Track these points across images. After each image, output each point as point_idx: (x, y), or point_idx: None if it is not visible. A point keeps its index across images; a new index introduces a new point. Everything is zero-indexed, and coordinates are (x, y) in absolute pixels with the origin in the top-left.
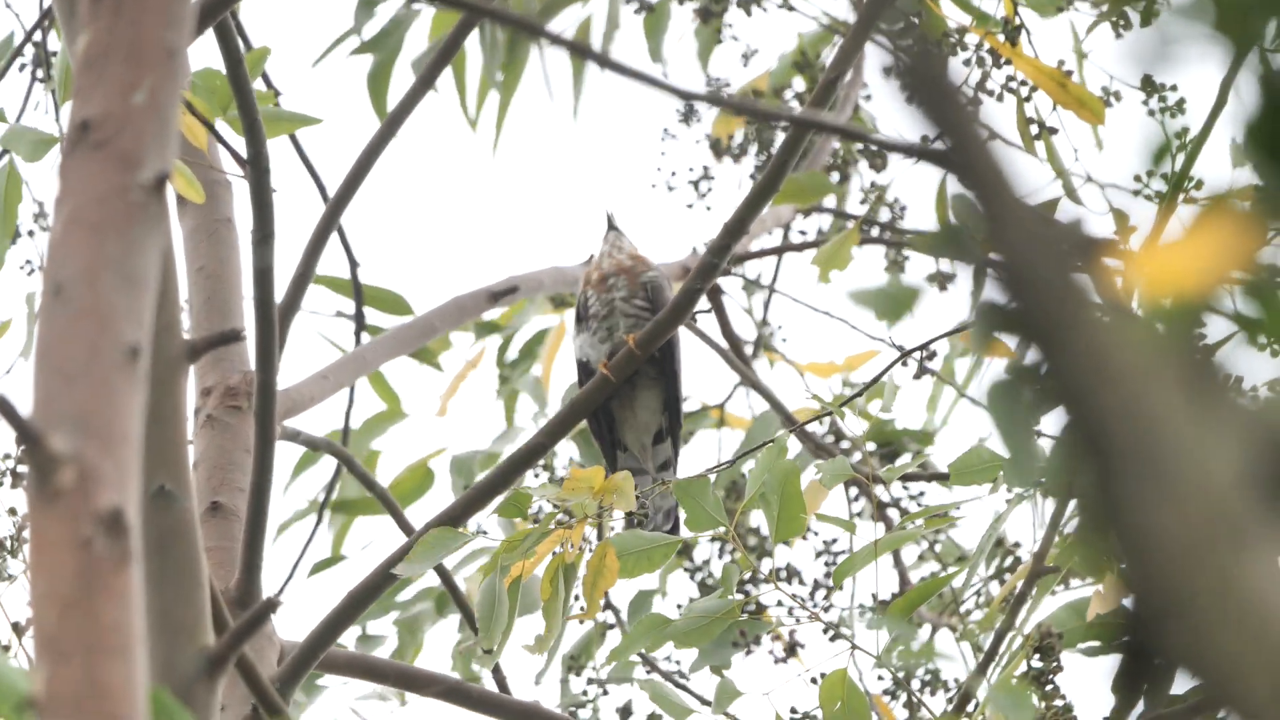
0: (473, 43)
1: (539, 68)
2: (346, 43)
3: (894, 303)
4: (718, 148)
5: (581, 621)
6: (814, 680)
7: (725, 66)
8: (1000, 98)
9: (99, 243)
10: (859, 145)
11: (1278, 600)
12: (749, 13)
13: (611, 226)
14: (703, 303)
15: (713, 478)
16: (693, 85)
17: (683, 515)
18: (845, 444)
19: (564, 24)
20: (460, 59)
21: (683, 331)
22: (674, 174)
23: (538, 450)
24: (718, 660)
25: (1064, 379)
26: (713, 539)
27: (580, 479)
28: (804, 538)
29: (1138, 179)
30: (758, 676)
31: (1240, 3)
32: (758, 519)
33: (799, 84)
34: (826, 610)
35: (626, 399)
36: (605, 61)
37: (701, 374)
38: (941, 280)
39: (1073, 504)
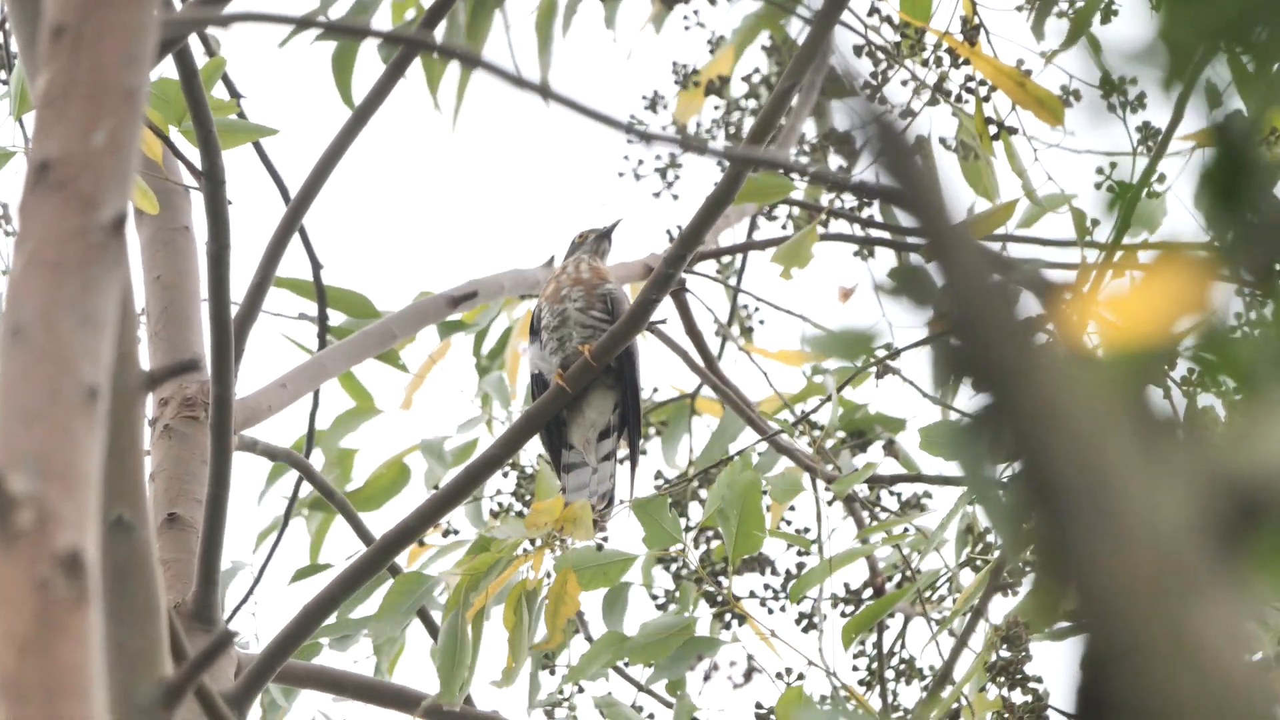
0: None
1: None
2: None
3: (852, 346)
4: (684, 134)
5: (545, 653)
6: (779, 676)
7: (692, 53)
8: (959, 98)
9: (58, 283)
10: (826, 133)
11: (1226, 646)
12: (713, 1)
13: (599, 244)
14: (660, 313)
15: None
16: (653, 76)
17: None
18: (817, 434)
19: (528, 4)
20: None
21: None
22: (640, 163)
23: (494, 462)
24: (674, 675)
25: (1016, 425)
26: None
27: (541, 511)
28: (778, 526)
29: (1100, 171)
30: (719, 693)
31: (1190, 47)
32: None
33: (765, 67)
34: (799, 601)
35: (576, 402)
36: (546, 93)
37: (673, 363)
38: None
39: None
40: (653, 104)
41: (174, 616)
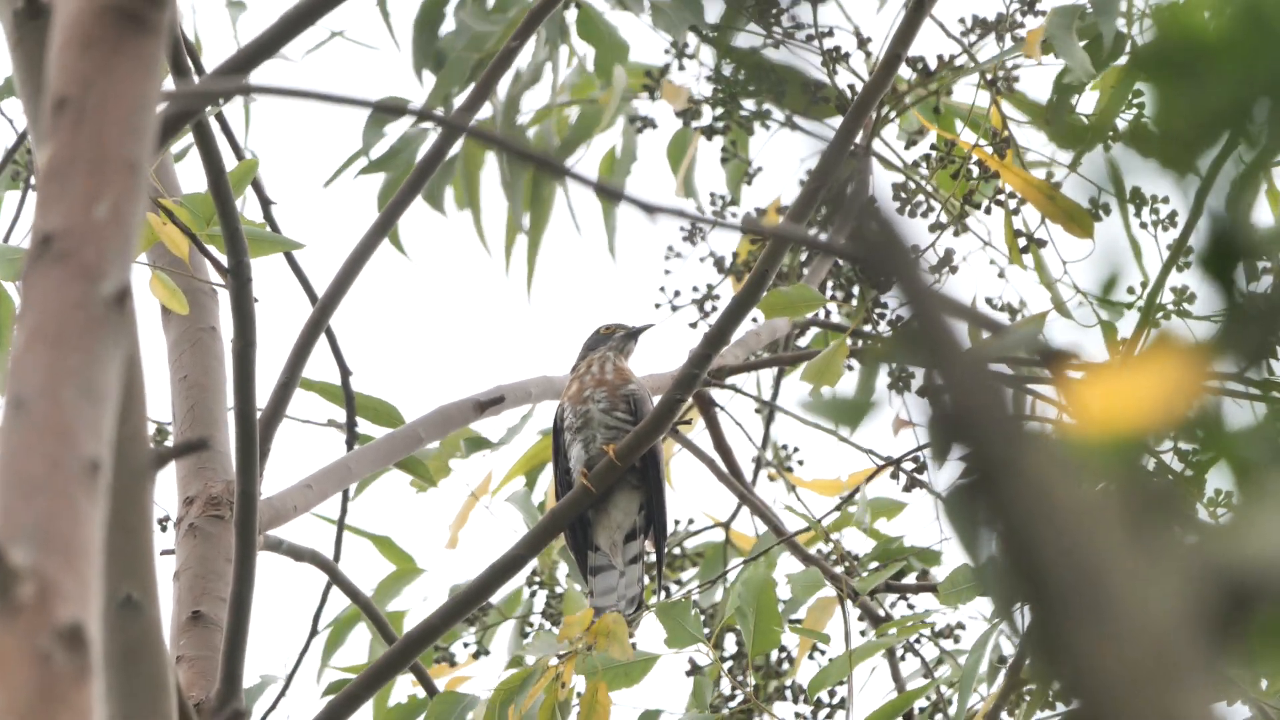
0: (490, 177)
1: (564, 203)
2: (358, 163)
3: (850, 412)
4: (722, 264)
5: None
6: None
7: (733, 184)
8: (989, 210)
9: (60, 356)
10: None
11: None
12: (750, 131)
13: (625, 343)
14: (683, 413)
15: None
16: (695, 206)
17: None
18: (852, 562)
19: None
20: (475, 191)
21: (682, 448)
22: (677, 293)
23: (517, 561)
24: None
25: (1004, 514)
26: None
27: (572, 624)
28: (810, 656)
29: (1130, 291)
30: None
31: (1181, 137)
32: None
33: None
34: (815, 699)
35: (601, 503)
36: (604, 191)
37: (707, 490)
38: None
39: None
40: (690, 235)
41: (184, 696)
